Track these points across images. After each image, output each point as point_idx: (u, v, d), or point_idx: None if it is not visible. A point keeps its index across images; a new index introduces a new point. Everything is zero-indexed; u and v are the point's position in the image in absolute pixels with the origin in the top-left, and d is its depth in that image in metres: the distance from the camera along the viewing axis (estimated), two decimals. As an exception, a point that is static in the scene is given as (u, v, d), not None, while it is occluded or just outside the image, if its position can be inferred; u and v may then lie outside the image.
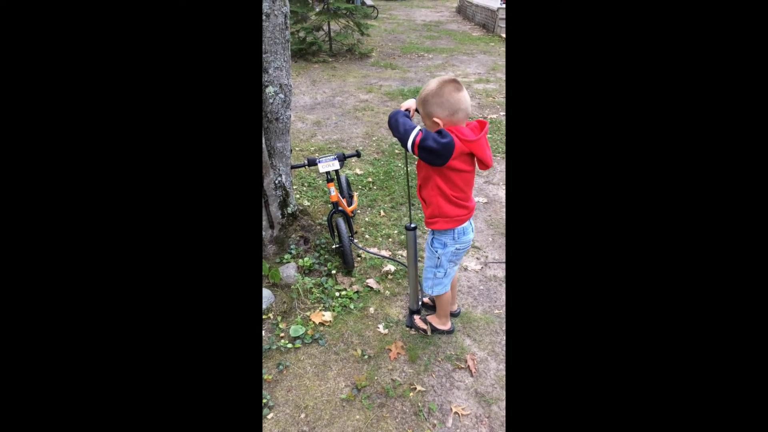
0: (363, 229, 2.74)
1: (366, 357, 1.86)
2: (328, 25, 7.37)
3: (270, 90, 1.95)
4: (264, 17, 1.83)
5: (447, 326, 1.98)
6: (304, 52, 7.21)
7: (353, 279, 2.30)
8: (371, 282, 2.28)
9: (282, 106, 2.01)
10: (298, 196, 3.04)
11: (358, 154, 2.38)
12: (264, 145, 2.05)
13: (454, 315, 2.08)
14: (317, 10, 7.31)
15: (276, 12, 1.86)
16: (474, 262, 2.49)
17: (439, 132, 1.41)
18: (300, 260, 2.26)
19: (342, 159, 2.29)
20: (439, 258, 1.69)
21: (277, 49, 1.92)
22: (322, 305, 2.10)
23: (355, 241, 2.51)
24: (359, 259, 2.46)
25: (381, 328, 2.00)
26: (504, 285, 2.32)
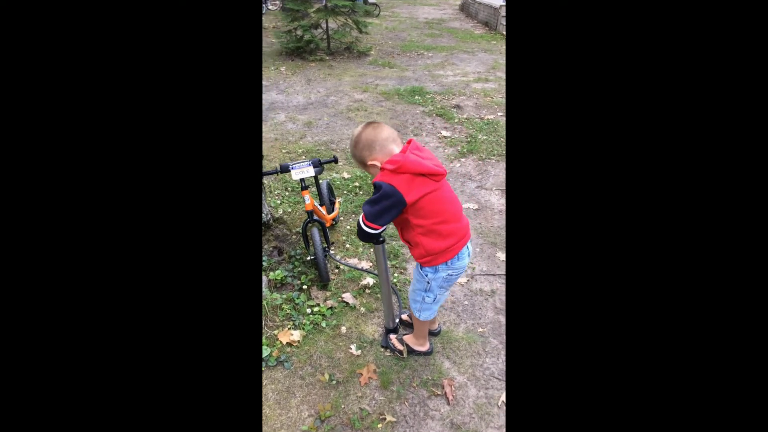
0: (344, 237, 2.59)
1: (334, 382, 1.71)
2: (326, 22, 7.23)
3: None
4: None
5: (425, 347, 1.83)
6: (301, 51, 7.08)
7: (329, 293, 2.15)
8: (347, 296, 2.13)
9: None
10: (279, 201, 2.90)
11: (335, 160, 2.24)
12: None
13: (434, 334, 1.93)
14: (316, 7, 7.16)
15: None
16: (460, 275, 2.33)
17: (375, 188, 1.37)
18: (272, 273, 2.12)
19: (317, 165, 2.15)
20: (429, 282, 1.55)
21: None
22: (291, 323, 1.96)
23: (332, 252, 2.36)
24: (336, 271, 2.31)
25: (353, 349, 1.86)
26: (490, 300, 2.16)
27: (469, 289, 2.23)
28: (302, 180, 2.16)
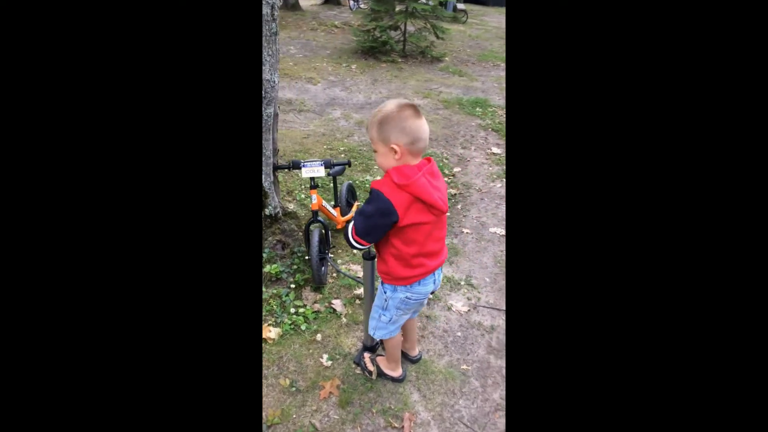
0: (355, 242, 2.54)
1: (293, 389, 1.67)
2: (404, 25, 7.22)
3: (252, 84, 1.84)
4: (250, 6, 1.72)
5: (396, 373, 1.72)
6: (375, 51, 7.14)
7: (320, 296, 2.12)
8: (337, 303, 2.08)
9: (262, 102, 1.88)
10: (303, 196, 2.92)
11: (348, 164, 2.20)
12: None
13: (412, 361, 1.81)
14: (398, 9, 7.17)
15: (262, 2, 1.73)
16: (462, 302, 2.17)
17: (371, 194, 1.26)
18: (268, 266, 2.13)
19: (329, 166, 2.12)
20: (386, 300, 1.47)
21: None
22: (273, 319, 1.95)
23: (331, 256, 2.32)
24: (335, 275, 2.27)
25: (324, 360, 1.80)
26: (486, 336, 1.99)
27: (467, 320, 2.07)
28: (312, 179, 2.14)
